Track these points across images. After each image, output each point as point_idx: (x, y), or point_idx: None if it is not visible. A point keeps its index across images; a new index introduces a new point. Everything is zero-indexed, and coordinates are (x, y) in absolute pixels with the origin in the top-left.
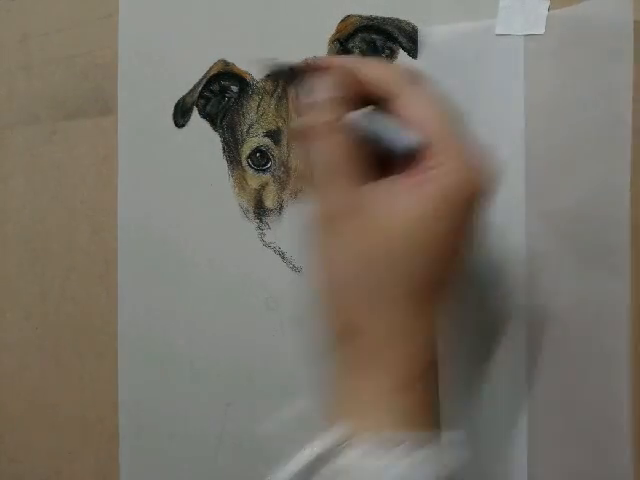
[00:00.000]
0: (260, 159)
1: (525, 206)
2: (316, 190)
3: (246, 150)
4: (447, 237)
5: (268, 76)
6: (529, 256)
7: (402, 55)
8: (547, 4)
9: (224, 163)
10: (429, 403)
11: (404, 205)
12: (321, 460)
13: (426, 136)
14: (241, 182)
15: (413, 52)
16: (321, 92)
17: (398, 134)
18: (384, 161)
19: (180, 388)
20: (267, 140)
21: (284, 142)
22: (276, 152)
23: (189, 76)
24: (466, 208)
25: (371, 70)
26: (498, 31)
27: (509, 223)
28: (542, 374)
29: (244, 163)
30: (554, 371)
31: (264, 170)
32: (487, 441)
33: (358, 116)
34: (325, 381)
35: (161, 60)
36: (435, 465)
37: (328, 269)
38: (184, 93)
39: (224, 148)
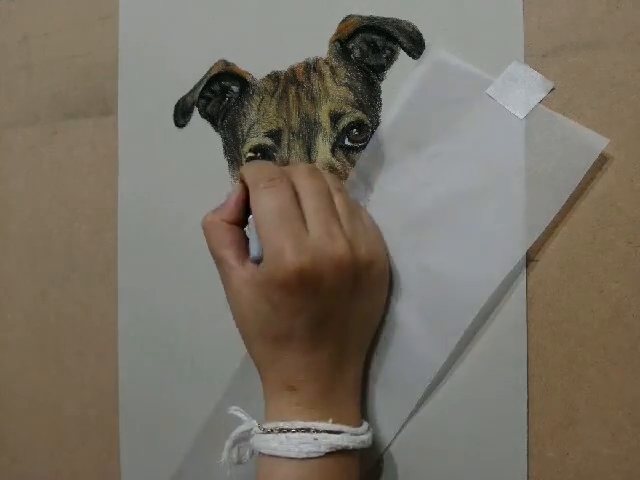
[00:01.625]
0: (261, 159)
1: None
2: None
3: (247, 150)
4: (275, 305)
5: None
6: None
7: (402, 55)
8: (543, 95)
9: (224, 163)
10: (303, 405)
11: (246, 283)
12: (239, 440)
13: (258, 232)
14: None
15: (413, 52)
16: (229, 195)
17: (254, 242)
18: None
19: (180, 388)
20: (268, 140)
21: (285, 142)
22: (277, 152)
23: (189, 76)
24: (274, 290)
25: (243, 174)
26: (489, 92)
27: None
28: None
29: (245, 163)
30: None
31: None
32: (487, 440)
33: (250, 219)
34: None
35: (161, 60)
36: (308, 443)
37: None
38: (184, 93)
39: (225, 148)
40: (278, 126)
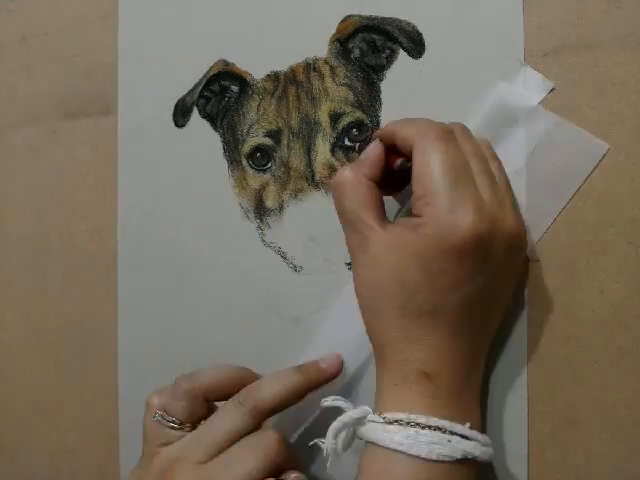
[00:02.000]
0: (260, 159)
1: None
2: (343, 227)
3: (246, 150)
4: (430, 279)
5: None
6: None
7: (402, 55)
8: (543, 95)
9: (224, 163)
10: (435, 398)
11: (392, 249)
12: (348, 426)
13: (418, 188)
14: (241, 182)
15: (413, 52)
16: (366, 152)
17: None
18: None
19: None
20: (267, 140)
21: (284, 142)
22: (276, 152)
23: (189, 76)
24: (444, 257)
25: (403, 130)
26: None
27: None
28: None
29: (244, 163)
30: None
31: (264, 170)
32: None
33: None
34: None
35: (161, 60)
36: (439, 444)
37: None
38: (184, 93)
39: (224, 148)
40: (278, 126)
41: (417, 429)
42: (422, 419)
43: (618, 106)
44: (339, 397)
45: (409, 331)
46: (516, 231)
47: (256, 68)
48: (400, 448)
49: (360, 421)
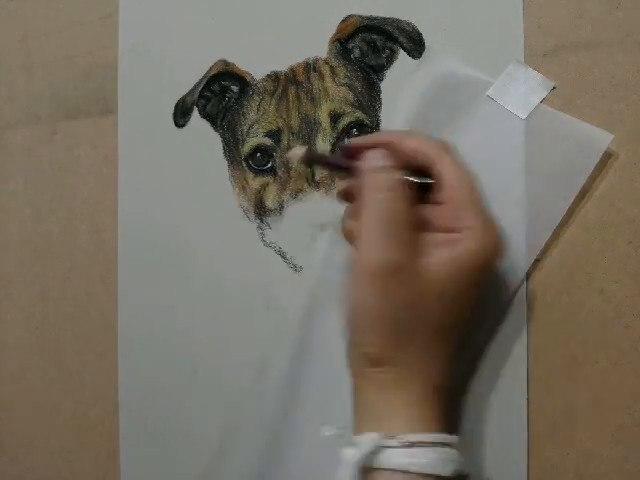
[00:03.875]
0: (260, 159)
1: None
2: (363, 242)
3: (246, 150)
4: (468, 291)
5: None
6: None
7: (402, 55)
8: (543, 95)
9: (224, 163)
10: (441, 413)
11: (435, 265)
12: (366, 457)
13: (457, 201)
14: (241, 182)
15: (413, 52)
16: (376, 161)
17: None
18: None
19: (180, 388)
20: (267, 140)
21: (284, 142)
22: (276, 152)
23: (189, 76)
24: (485, 268)
25: (412, 142)
26: (489, 93)
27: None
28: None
29: (244, 163)
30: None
31: (264, 170)
32: (487, 440)
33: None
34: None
35: (161, 60)
36: (453, 460)
37: (362, 309)
38: (184, 93)
39: (224, 148)
40: (278, 126)
41: (444, 448)
42: (447, 438)
43: (618, 106)
44: (338, 428)
45: (426, 350)
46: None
47: (256, 68)
48: (431, 471)
49: (374, 452)
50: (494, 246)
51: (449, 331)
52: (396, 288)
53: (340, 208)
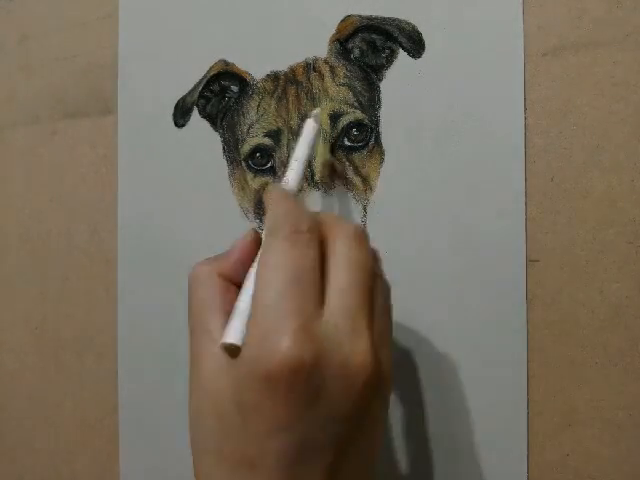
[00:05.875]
0: (260, 159)
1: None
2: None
3: (246, 150)
4: (246, 411)
5: None
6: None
7: (402, 55)
8: None
9: (224, 163)
10: None
11: (218, 369)
12: None
13: (253, 297)
14: (241, 182)
15: (413, 52)
16: (235, 245)
17: (235, 321)
18: None
19: (180, 388)
20: (267, 140)
21: (284, 142)
22: (276, 152)
23: (189, 76)
24: (252, 385)
25: (269, 207)
26: None
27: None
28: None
29: (244, 163)
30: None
31: (264, 170)
32: (487, 440)
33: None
34: None
35: (161, 60)
36: None
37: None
38: (184, 93)
39: (224, 148)
40: (277, 126)
41: None
42: None
43: (618, 106)
44: None
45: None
46: (360, 365)
47: (256, 68)
48: None
49: None
50: (264, 361)
51: (240, 469)
52: (193, 388)
53: (339, 207)
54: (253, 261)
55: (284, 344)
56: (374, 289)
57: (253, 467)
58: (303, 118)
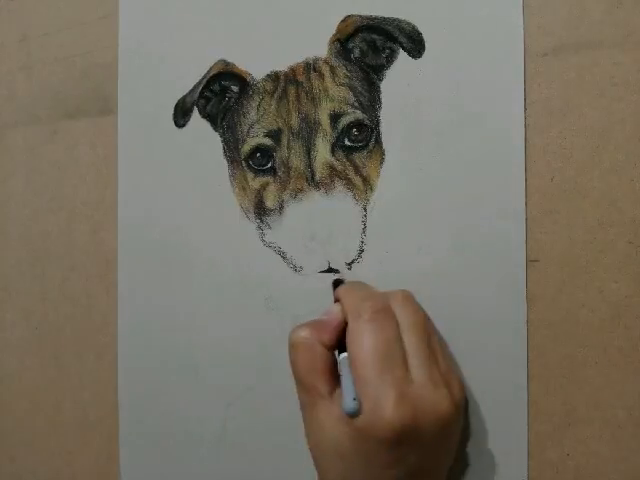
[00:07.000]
0: (260, 159)
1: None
2: (295, 381)
3: (246, 150)
4: (367, 455)
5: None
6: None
7: (402, 55)
8: None
9: (224, 163)
10: None
11: (335, 421)
12: None
13: (355, 373)
14: (241, 182)
15: (413, 52)
16: (329, 315)
17: (349, 393)
18: None
19: (180, 388)
20: (267, 140)
21: (284, 142)
22: (276, 152)
23: (189, 76)
24: (369, 441)
25: (344, 297)
26: None
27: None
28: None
29: (244, 163)
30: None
31: (264, 170)
32: (487, 440)
33: (341, 359)
34: None
35: (161, 60)
36: None
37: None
38: (184, 93)
39: (224, 148)
40: (278, 126)
41: None
42: None
43: (618, 106)
44: None
45: None
46: (446, 410)
47: (256, 68)
48: None
49: None
50: (377, 429)
51: None
52: (312, 428)
53: (339, 207)
54: (341, 336)
55: (388, 413)
56: (431, 337)
57: None
58: (303, 118)
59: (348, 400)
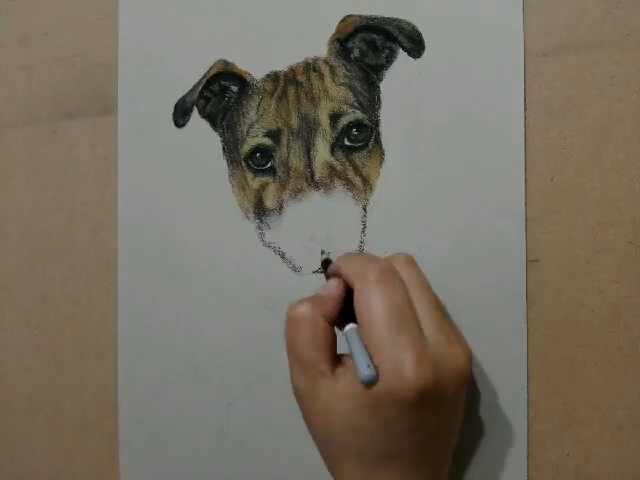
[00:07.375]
0: (260, 159)
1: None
2: (290, 363)
3: (246, 150)
4: (387, 422)
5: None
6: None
7: (402, 55)
8: None
9: (224, 163)
10: None
11: (343, 397)
12: None
13: (367, 339)
14: (241, 182)
15: (413, 52)
16: (327, 289)
17: (362, 361)
18: None
19: (180, 388)
20: (267, 140)
21: (284, 142)
22: (276, 152)
23: (189, 76)
24: (390, 406)
25: (345, 265)
26: None
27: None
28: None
29: (244, 163)
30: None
31: (264, 170)
32: (487, 440)
33: (347, 330)
34: None
35: (161, 60)
36: None
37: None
38: (184, 93)
39: (224, 148)
40: (277, 126)
41: None
42: None
43: (618, 106)
44: None
45: (365, 473)
46: (463, 367)
47: (256, 68)
48: None
49: None
50: (400, 390)
51: (382, 461)
52: (315, 415)
53: (339, 207)
54: (344, 304)
55: (409, 374)
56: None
57: (394, 458)
58: (303, 118)
59: (362, 368)
